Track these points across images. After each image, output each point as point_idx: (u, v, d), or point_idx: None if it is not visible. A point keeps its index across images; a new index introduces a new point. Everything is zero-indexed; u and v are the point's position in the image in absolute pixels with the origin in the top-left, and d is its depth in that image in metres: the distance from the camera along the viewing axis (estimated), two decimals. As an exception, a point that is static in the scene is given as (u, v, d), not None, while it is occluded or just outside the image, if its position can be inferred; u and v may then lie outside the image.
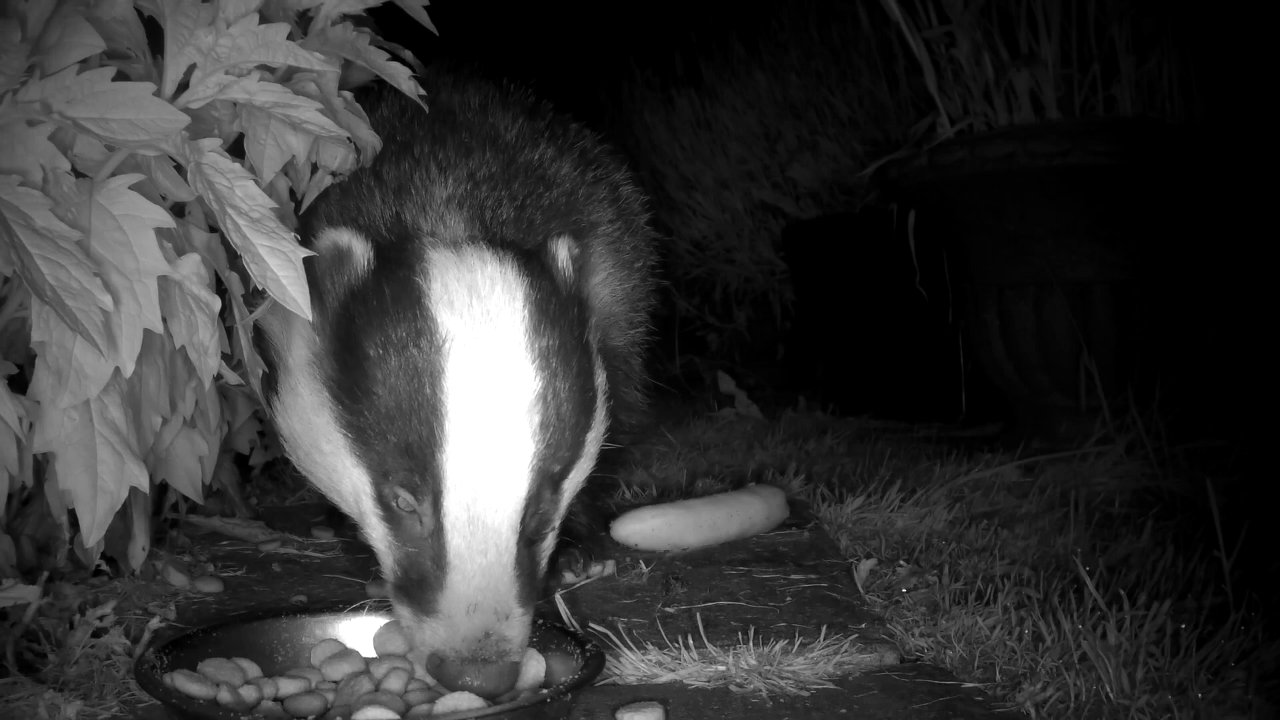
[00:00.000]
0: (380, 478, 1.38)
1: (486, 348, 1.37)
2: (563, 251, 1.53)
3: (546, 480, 1.39)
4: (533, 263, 1.49)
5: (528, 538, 1.38)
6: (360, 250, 1.46)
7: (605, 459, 1.99)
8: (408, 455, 1.34)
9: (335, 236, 1.47)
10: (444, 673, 1.28)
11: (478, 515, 1.32)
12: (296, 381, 1.48)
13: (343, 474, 1.44)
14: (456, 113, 1.81)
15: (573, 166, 1.83)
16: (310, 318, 1.33)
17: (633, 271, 1.89)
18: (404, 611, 1.36)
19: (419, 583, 1.34)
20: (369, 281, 1.44)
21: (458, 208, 1.61)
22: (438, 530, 1.33)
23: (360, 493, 1.42)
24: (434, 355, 1.35)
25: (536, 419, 1.36)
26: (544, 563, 1.45)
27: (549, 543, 1.46)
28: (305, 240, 1.40)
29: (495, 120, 1.82)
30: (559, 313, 1.45)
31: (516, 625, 1.31)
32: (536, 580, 1.40)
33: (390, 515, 1.39)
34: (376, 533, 1.42)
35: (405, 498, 1.36)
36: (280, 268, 1.30)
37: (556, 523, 1.47)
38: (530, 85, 2.00)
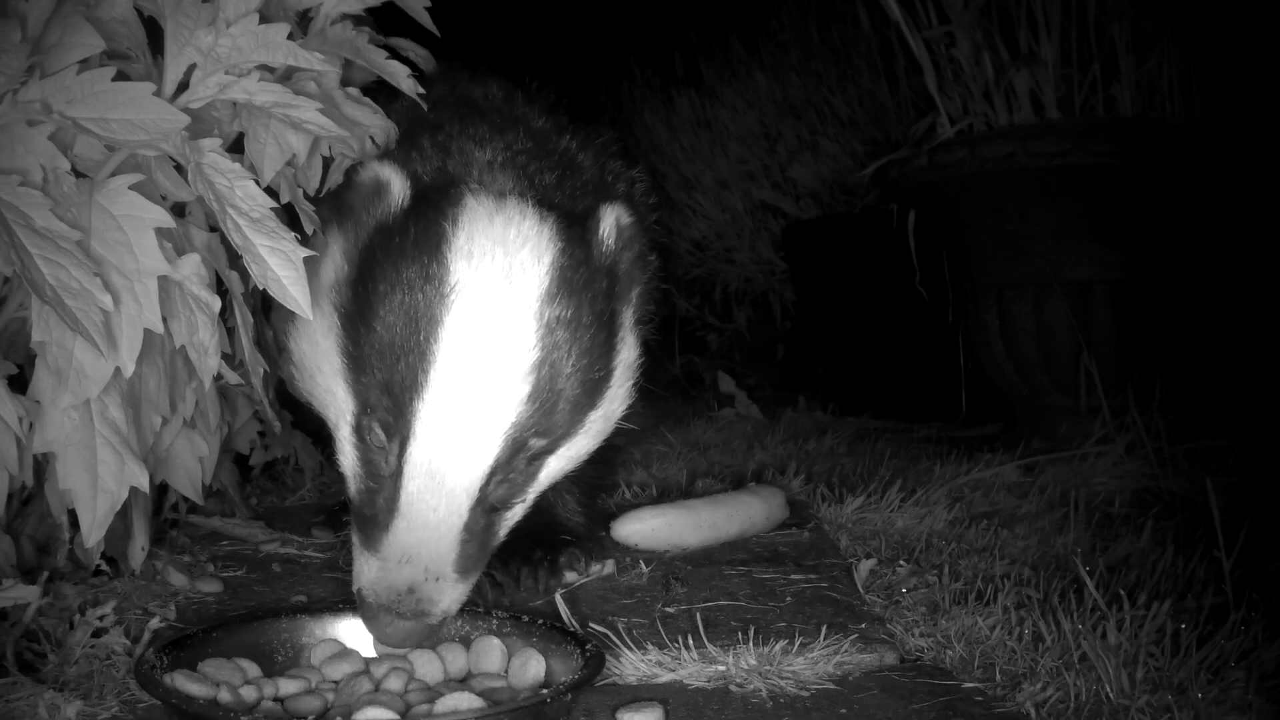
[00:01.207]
0: (363, 409, 1.39)
1: (493, 305, 1.35)
2: (609, 218, 1.50)
3: (523, 451, 1.37)
4: (574, 228, 1.48)
5: (490, 504, 1.37)
6: (398, 187, 1.47)
7: (603, 460, 2.00)
8: (389, 394, 1.34)
9: (377, 169, 1.48)
10: (362, 612, 1.31)
11: (438, 470, 1.31)
12: (315, 305, 1.50)
13: (333, 397, 1.45)
14: (480, 102, 1.82)
15: (594, 159, 1.84)
16: (310, 317, 1.33)
17: (648, 265, 1.90)
18: (355, 539, 1.38)
19: (371, 519, 1.35)
20: (399, 219, 1.45)
21: (502, 168, 1.61)
22: (397, 474, 1.33)
23: (342, 419, 1.44)
24: (437, 302, 1.35)
25: (526, 388, 1.34)
26: (502, 533, 1.44)
27: (515, 513, 1.45)
28: (317, 232, 1.42)
29: (521, 110, 1.83)
30: (584, 283, 1.43)
31: (446, 590, 1.30)
32: (486, 550, 1.39)
33: (363, 447, 1.40)
34: (347, 460, 1.43)
35: (378, 434, 1.37)
36: (281, 267, 1.30)
37: (529, 495, 1.45)
38: (548, 88, 2.01)
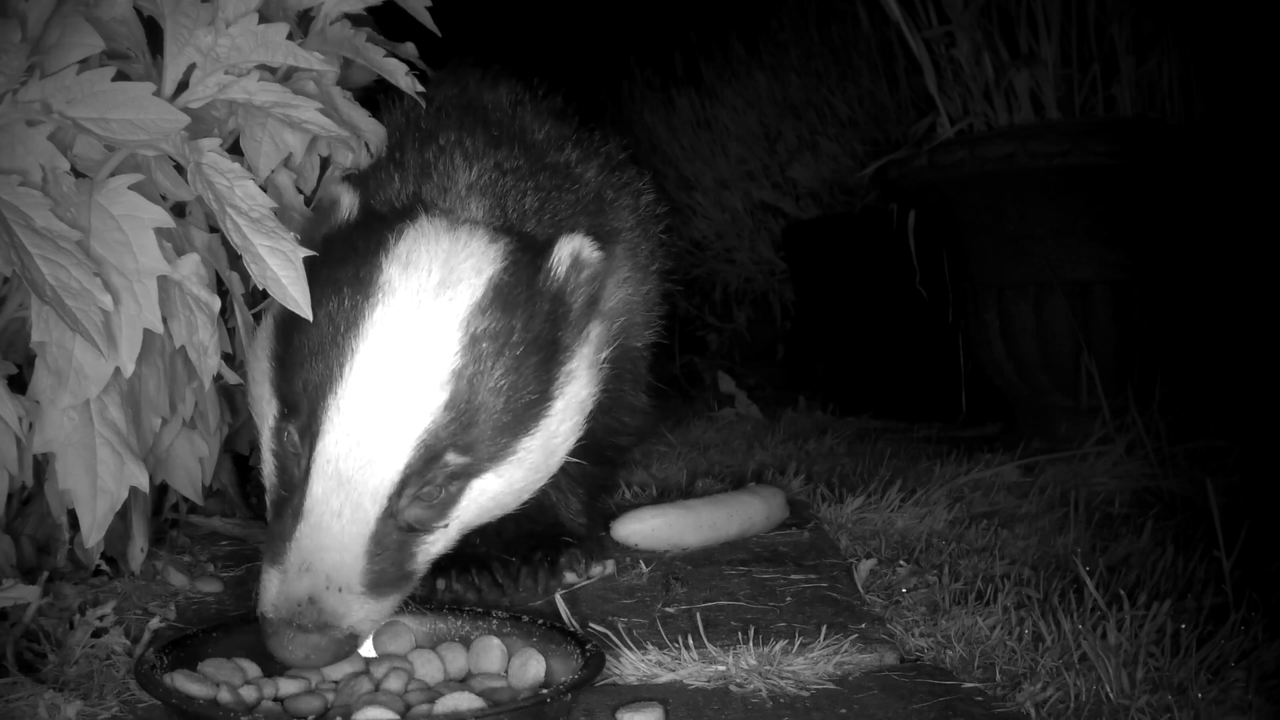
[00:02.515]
0: (282, 413, 1.35)
1: (419, 308, 1.32)
2: (565, 248, 1.46)
3: (439, 464, 1.31)
4: (528, 252, 1.45)
5: (407, 522, 1.31)
6: (347, 202, 1.46)
7: (607, 461, 2.00)
8: (305, 394, 1.30)
9: (333, 189, 1.48)
10: (264, 631, 1.23)
11: (344, 470, 1.26)
12: (266, 318, 1.48)
13: (260, 402, 1.42)
14: (488, 108, 1.81)
15: (597, 172, 1.83)
16: (311, 317, 1.33)
17: (648, 275, 1.89)
18: (264, 560, 1.30)
19: (278, 532, 1.28)
20: (344, 229, 1.44)
21: (480, 194, 1.59)
22: (305, 475, 1.28)
23: (264, 424, 1.40)
24: (363, 302, 1.32)
25: (443, 395, 1.29)
26: (420, 559, 1.36)
27: (435, 539, 1.37)
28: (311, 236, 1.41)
29: (525, 120, 1.82)
30: (524, 303, 1.39)
31: (353, 604, 1.24)
32: (403, 571, 1.32)
33: (281, 451, 1.35)
34: (266, 467, 1.39)
35: (292, 437, 1.32)
36: (280, 267, 1.30)
37: (452, 522, 1.38)
38: (549, 88, 2.00)
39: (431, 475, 1.32)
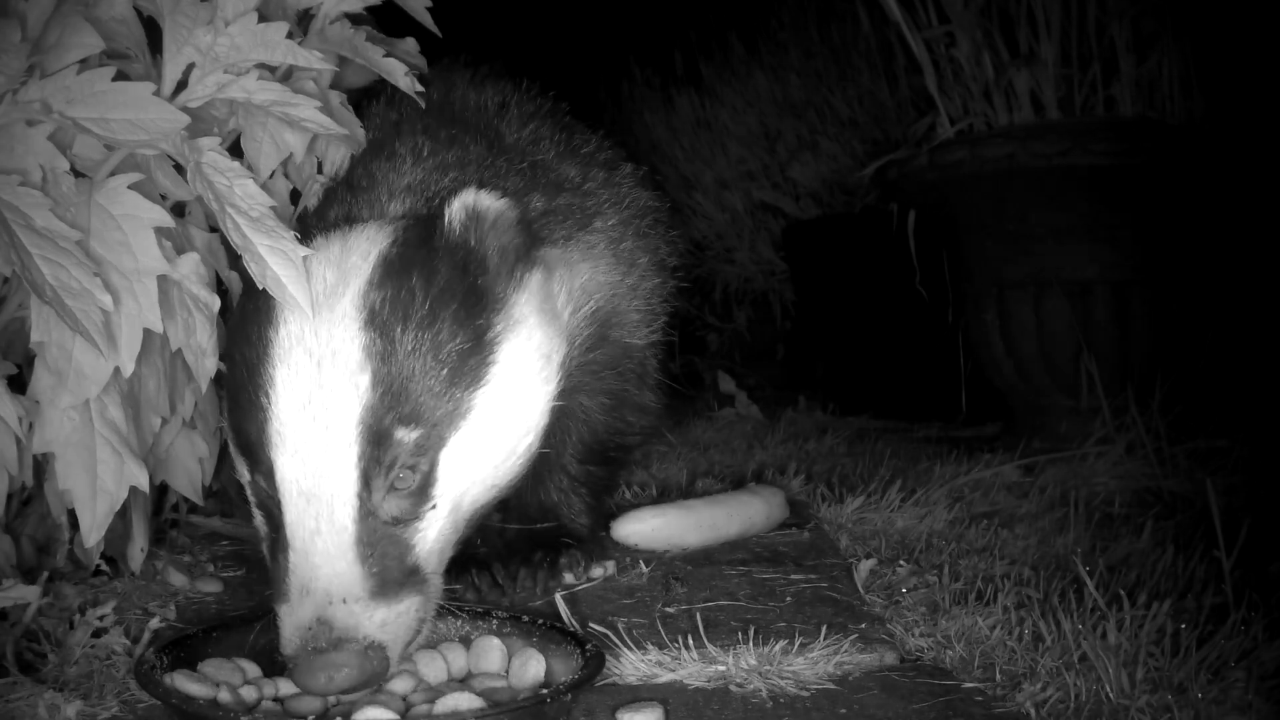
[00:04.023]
0: (250, 467, 1.34)
1: (317, 313, 1.30)
2: (457, 203, 1.41)
3: (391, 445, 1.28)
4: (423, 224, 1.43)
5: (388, 515, 1.29)
6: None
7: (612, 461, 2.00)
8: (253, 440, 1.29)
9: None
10: (290, 670, 1.21)
11: (306, 487, 1.24)
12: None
13: (239, 467, 1.40)
14: (457, 109, 1.80)
15: (578, 170, 1.82)
16: (312, 315, 1.32)
17: (636, 268, 1.88)
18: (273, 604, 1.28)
19: (277, 572, 1.27)
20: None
21: (414, 193, 1.57)
22: (279, 511, 1.27)
23: (245, 483, 1.38)
24: (266, 325, 1.31)
25: (363, 378, 1.27)
26: (422, 549, 1.32)
27: (429, 524, 1.33)
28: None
29: (503, 119, 1.80)
30: (419, 263, 1.35)
31: (361, 613, 1.21)
32: (407, 567, 1.29)
33: (260, 503, 1.35)
34: (256, 518, 1.38)
35: (261, 484, 1.31)
36: (281, 266, 1.30)
37: (440, 501, 1.34)
38: (547, 88, 2.00)
39: (391, 458, 1.28)
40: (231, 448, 1.42)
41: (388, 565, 1.27)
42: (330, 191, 1.61)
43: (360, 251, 1.37)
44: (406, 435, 1.29)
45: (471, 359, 1.35)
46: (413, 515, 1.32)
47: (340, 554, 1.23)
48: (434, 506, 1.34)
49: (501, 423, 1.40)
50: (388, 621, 1.24)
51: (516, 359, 1.41)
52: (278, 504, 1.27)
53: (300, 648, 1.19)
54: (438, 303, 1.34)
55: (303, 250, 1.32)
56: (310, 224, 1.55)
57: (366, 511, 1.26)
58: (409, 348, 1.30)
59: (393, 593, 1.26)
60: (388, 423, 1.28)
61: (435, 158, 1.61)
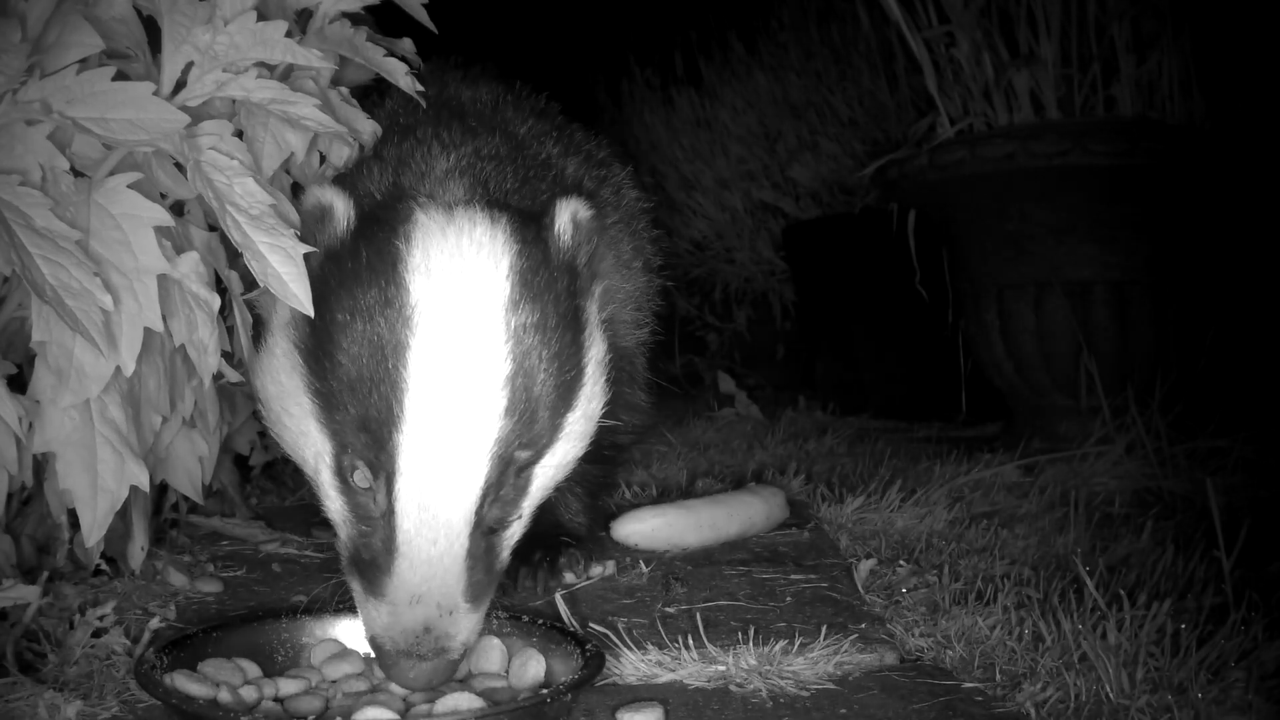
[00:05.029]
0: (340, 448, 1.35)
1: (457, 322, 1.32)
2: (565, 213, 1.46)
3: (511, 467, 1.34)
4: (529, 227, 1.44)
5: (488, 527, 1.34)
6: (341, 209, 1.42)
7: (606, 460, 2.00)
8: (365, 430, 1.30)
9: (319, 194, 1.44)
10: (380, 659, 1.27)
11: (430, 503, 1.28)
12: (275, 341, 1.45)
13: (307, 440, 1.40)
14: (465, 104, 1.80)
15: (577, 167, 1.83)
16: (312, 313, 1.32)
17: (632, 271, 1.88)
18: (355, 586, 1.34)
19: (370, 563, 1.31)
20: (347, 243, 1.41)
21: (459, 176, 1.58)
22: (389, 513, 1.29)
23: (321, 462, 1.39)
24: (400, 327, 1.31)
25: (503, 402, 1.30)
26: (505, 553, 1.40)
27: (514, 531, 1.41)
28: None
29: (506, 115, 1.81)
30: (545, 285, 1.39)
31: (462, 622, 1.27)
32: (493, 573, 1.36)
33: (347, 489, 1.36)
34: (334, 505, 1.39)
35: (363, 473, 1.33)
36: (281, 264, 1.30)
37: (525, 510, 1.42)
38: (540, 88, 2.01)
39: (504, 480, 1.35)
40: (303, 417, 1.40)
41: (481, 574, 1.32)
42: (350, 173, 1.61)
43: (487, 250, 1.38)
44: (522, 455, 1.35)
45: (572, 385, 1.41)
46: (503, 525, 1.38)
47: (453, 567, 1.28)
48: (520, 516, 1.41)
49: (580, 435, 1.47)
50: (474, 627, 1.31)
51: (593, 377, 1.47)
52: (389, 506, 1.30)
53: (402, 651, 1.25)
54: (562, 332, 1.39)
55: (303, 247, 1.32)
56: (355, 188, 1.55)
57: (476, 524, 1.31)
58: (540, 378, 1.35)
59: (482, 597, 1.32)
60: (513, 449, 1.33)
61: (465, 146, 1.63)
